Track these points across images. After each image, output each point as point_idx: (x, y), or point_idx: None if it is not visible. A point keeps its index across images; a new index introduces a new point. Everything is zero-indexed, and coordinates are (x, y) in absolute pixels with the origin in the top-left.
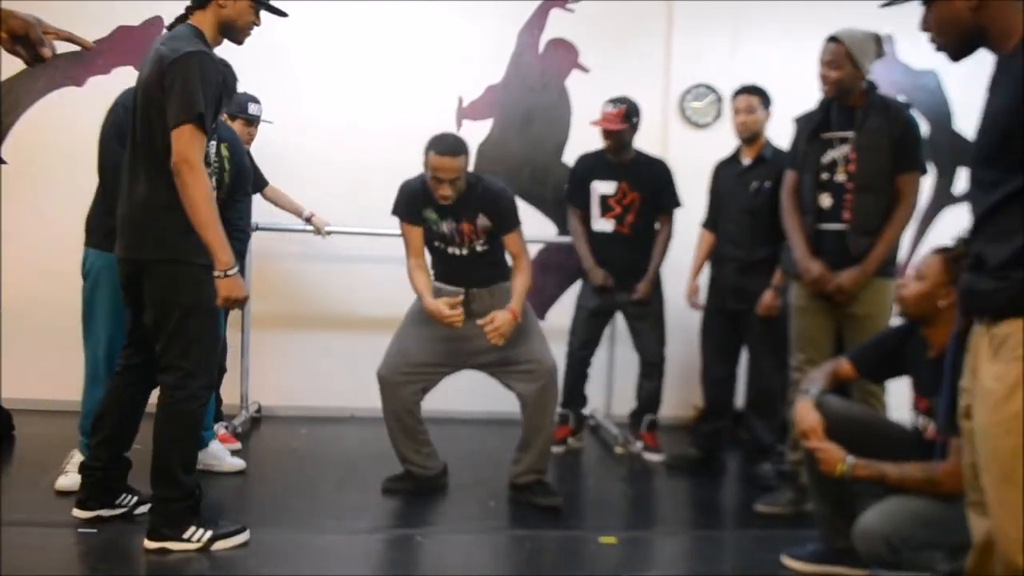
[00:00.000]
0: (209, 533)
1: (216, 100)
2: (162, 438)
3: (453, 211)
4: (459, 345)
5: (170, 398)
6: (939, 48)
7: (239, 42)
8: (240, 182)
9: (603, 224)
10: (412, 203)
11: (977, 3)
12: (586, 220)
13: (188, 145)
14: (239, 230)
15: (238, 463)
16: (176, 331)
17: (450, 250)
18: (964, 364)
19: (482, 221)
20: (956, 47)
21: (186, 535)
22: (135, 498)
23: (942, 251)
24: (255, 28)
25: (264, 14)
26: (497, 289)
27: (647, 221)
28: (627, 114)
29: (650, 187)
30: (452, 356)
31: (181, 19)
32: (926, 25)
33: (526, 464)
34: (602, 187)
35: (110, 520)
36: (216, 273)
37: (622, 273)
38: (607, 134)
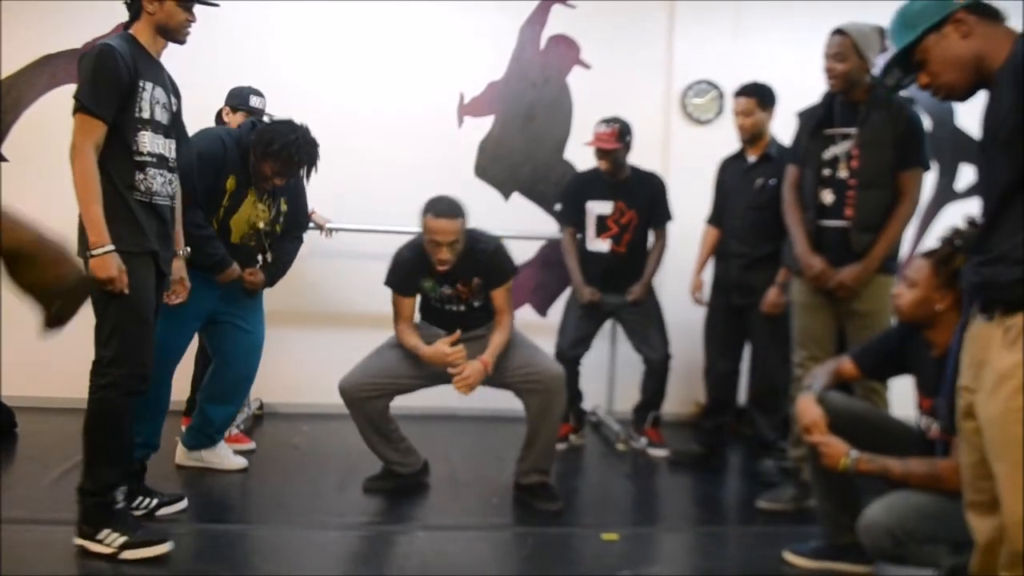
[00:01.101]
0: (123, 539)
1: (117, 89)
2: (85, 427)
3: (450, 276)
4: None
5: (92, 385)
6: (947, 92)
7: (181, 42)
8: (292, 226)
9: (599, 244)
10: (408, 276)
11: (966, 29)
12: (580, 239)
13: (76, 133)
14: (282, 263)
15: (241, 462)
16: (100, 319)
17: (447, 307)
18: (962, 363)
19: (476, 282)
20: (963, 83)
21: (100, 536)
22: (155, 500)
23: (929, 255)
24: (191, 24)
25: (258, 12)
26: (487, 327)
27: (642, 238)
28: (620, 133)
29: (646, 204)
30: (431, 371)
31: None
32: (927, 78)
33: (529, 464)
34: (598, 207)
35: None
36: (87, 252)
37: (618, 283)
38: (602, 154)
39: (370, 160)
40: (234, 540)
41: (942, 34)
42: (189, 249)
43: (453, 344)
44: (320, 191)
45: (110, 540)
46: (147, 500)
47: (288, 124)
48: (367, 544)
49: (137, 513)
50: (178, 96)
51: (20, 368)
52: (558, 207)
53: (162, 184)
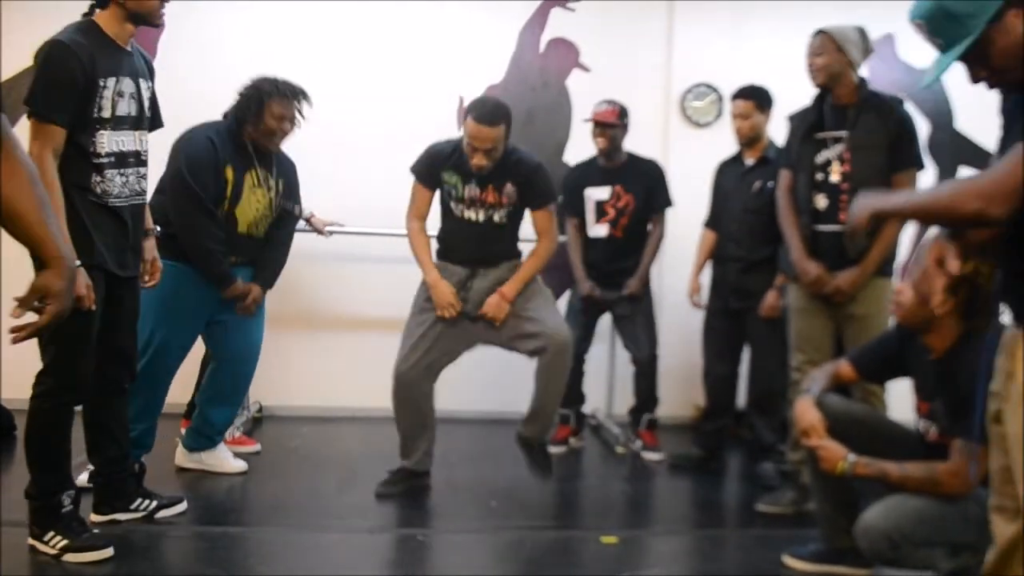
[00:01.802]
0: (64, 542)
1: (72, 90)
2: (24, 433)
3: (479, 176)
4: (467, 326)
5: (32, 393)
6: (1011, 83)
7: (156, 24)
8: (286, 205)
9: (598, 229)
10: (433, 165)
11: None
12: (582, 228)
13: (32, 141)
14: (276, 261)
15: (240, 464)
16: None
17: (467, 214)
18: (995, 368)
19: (509, 189)
20: None
21: (46, 538)
22: (154, 502)
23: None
24: (165, 7)
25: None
26: (503, 268)
27: (640, 223)
28: (620, 113)
29: (644, 188)
30: (463, 337)
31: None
32: (987, 72)
33: (532, 426)
34: (596, 193)
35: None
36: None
37: (615, 274)
38: (601, 130)
39: (370, 164)
40: (233, 542)
41: (1004, 23)
42: (158, 228)
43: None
44: (320, 194)
45: (54, 542)
46: (145, 502)
47: (257, 79)
48: (366, 547)
49: (136, 516)
50: (151, 76)
51: (20, 371)
52: (559, 199)
53: (122, 184)
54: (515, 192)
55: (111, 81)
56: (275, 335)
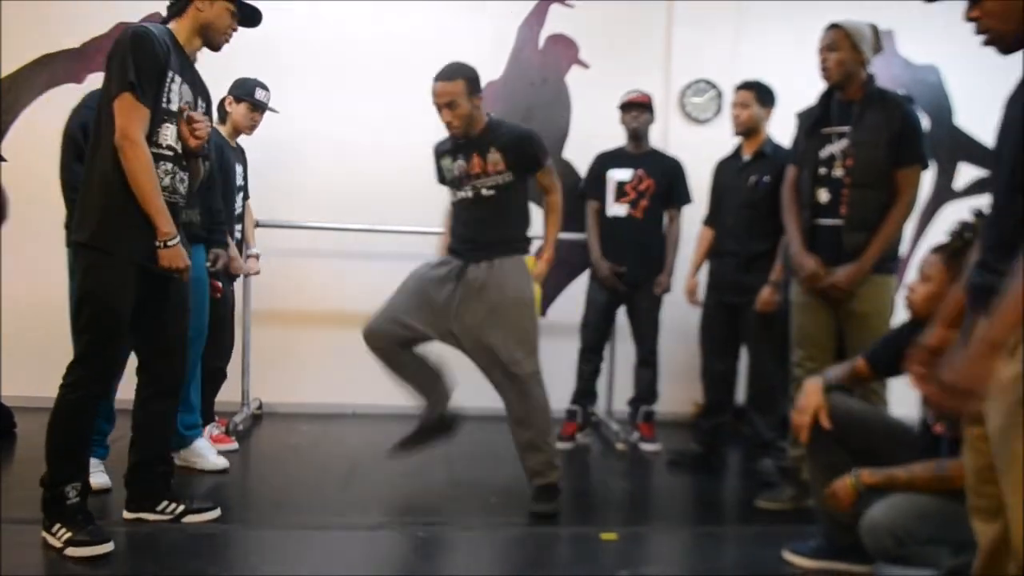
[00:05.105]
0: (68, 535)
1: (158, 75)
2: (48, 421)
3: (465, 149)
4: (446, 311)
5: (62, 382)
6: (993, 40)
7: (217, 47)
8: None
9: (617, 209)
10: (437, 158)
11: None
12: (601, 211)
13: (126, 118)
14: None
15: (222, 462)
16: (74, 317)
17: (459, 194)
18: None
19: (494, 157)
20: (1016, 36)
21: (53, 529)
22: (181, 506)
23: (940, 249)
24: (233, 33)
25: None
26: (498, 264)
27: (659, 209)
28: (650, 100)
29: (665, 177)
30: (437, 320)
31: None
32: (977, 14)
33: (526, 469)
34: (619, 174)
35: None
36: (156, 243)
37: (634, 258)
38: (632, 109)
39: (368, 160)
40: (232, 540)
41: None
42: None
43: None
44: (321, 191)
45: (60, 534)
46: (172, 505)
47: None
48: (366, 544)
49: (163, 518)
50: (208, 101)
51: (20, 368)
52: (581, 184)
53: (171, 180)
54: (502, 161)
55: (178, 79)
56: (275, 332)
